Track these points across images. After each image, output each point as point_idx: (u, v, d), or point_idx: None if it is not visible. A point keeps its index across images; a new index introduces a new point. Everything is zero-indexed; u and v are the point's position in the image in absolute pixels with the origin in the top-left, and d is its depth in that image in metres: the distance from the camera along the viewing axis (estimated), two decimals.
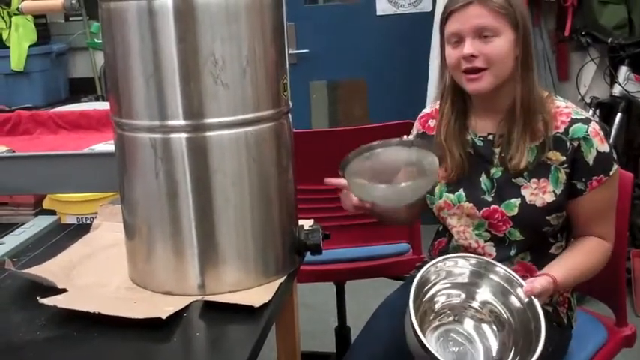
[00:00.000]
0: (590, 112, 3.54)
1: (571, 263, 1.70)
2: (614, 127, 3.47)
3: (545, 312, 1.74)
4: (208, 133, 1.45)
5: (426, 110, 1.93)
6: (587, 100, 3.67)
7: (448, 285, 1.65)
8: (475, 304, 1.64)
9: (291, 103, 1.59)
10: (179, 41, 1.41)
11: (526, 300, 1.56)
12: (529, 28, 1.73)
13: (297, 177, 1.63)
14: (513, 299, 1.60)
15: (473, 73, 1.67)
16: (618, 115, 3.49)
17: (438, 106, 1.87)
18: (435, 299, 1.64)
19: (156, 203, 1.51)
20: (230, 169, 1.48)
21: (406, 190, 1.60)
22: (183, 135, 1.45)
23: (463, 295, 1.65)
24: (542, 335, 1.49)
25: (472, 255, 1.68)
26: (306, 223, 1.72)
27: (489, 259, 1.68)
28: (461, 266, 1.65)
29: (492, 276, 1.63)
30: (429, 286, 1.62)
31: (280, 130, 1.54)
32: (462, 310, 1.65)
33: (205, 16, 1.41)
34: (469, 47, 1.65)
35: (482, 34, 1.65)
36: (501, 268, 1.63)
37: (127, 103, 1.49)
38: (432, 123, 1.88)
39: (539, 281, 1.59)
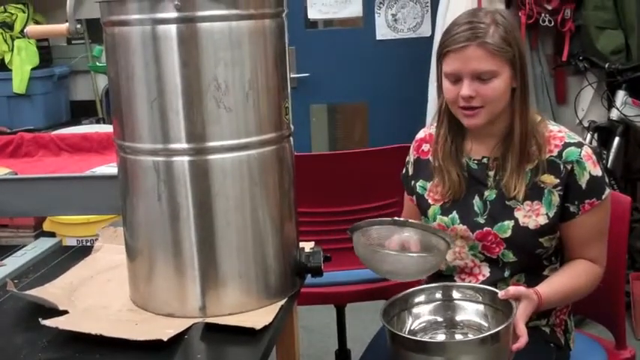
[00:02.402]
0: (589, 136, 3.55)
1: (557, 283, 1.73)
2: (612, 151, 3.47)
3: (542, 333, 1.76)
4: (211, 157, 1.47)
5: (420, 135, 1.94)
6: (586, 124, 3.68)
7: (424, 324, 1.67)
8: (457, 327, 1.67)
9: (292, 127, 1.60)
10: (182, 66, 1.43)
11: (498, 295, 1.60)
12: (525, 60, 1.74)
13: (297, 199, 1.64)
14: (485, 309, 1.63)
15: (469, 110, 1.69)
16: (616, 139, 3.50)
17: (431, 131, 1.89)
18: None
19: (158, 226, 1.52)
20: (232, 192, 1.49)
21: (416, 259, 1.65)
22: (186, 158, 1.47)
23: (441, 320, 1.68)
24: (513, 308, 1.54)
25: (426, 286, 1.71)
26: (307, 246, 1.73)
27: (446, 283, 1.73)
28: (424, 302, 1.68)
29: (455, 297, 1.67)
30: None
31: (282, 154, 1.56)
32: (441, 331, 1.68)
33: (208, 41, 1.43)
34: (467, 89, 1.66)
35: (480, 76, 1.67)
36: (458, 285, 1.70)
37: (131, 126, 1.50)
38: (425, 147, 1.90)
39: (515, 287, 1.63)
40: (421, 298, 1.68)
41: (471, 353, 1.48)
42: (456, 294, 1.68)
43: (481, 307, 1.65)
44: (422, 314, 1.67)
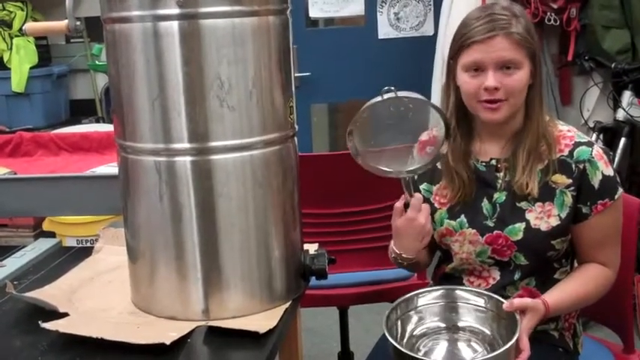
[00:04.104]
0: (594, 136, 3.53)
1: (568, 289, 1.70)
2: (618, 151, 3.45)
3: (551, 337, 1.74)
4: (213, 157, 1.44)
5: (423, 137, 1.91)
6: (591, 124, 3.66)
7: (425, 329, 1.65)
8: (459, 332, 1.64)
9: (297, 127, 1.57)
10: (185, 64, 1.40)
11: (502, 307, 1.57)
12: (541, 57, 1.72)
13: (301, 201, 1.61)
14: (489, 316, 1.61)
15: (492, 103, 1.66)
16: (622, 140, 3.48)
17: (435, 133, 1.86)
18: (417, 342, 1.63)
19: (160, 227, 1.49)
20: (235, 193, 1.46)
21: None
22: (188, 158, 1.44)
23: (443, 325, 1.65)
24: (518, 322, 1.51)
25: (430, 288, 1.69)
26: (311, 248, 1.70)
27: (450, 287, 1.69)
28: (427, 305, 1.66)
29: (459, 301, 1.65)
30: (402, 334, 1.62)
31: (286, 154, 1.53)
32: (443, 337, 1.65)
33: (211, 38, 1.40)
34: (492, 80, 1.64)
35: (505, 66, 1.64)
36: (460, 289, 1.67)
37: (132, 125, 1.47)
38: (429, 150, 1.86)
39: (520, 299, 1.60)
40: (424, 301, 1.65)
41: None
42: (460, 298, 1.65)
43: (484, 313, 1.62)
44: (425, 318, 1.65)
